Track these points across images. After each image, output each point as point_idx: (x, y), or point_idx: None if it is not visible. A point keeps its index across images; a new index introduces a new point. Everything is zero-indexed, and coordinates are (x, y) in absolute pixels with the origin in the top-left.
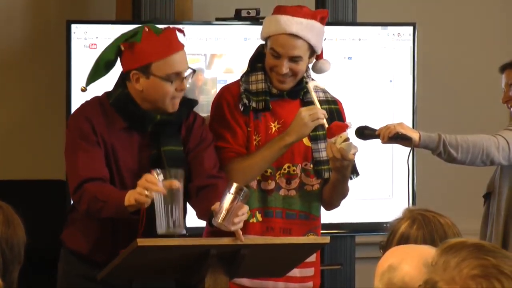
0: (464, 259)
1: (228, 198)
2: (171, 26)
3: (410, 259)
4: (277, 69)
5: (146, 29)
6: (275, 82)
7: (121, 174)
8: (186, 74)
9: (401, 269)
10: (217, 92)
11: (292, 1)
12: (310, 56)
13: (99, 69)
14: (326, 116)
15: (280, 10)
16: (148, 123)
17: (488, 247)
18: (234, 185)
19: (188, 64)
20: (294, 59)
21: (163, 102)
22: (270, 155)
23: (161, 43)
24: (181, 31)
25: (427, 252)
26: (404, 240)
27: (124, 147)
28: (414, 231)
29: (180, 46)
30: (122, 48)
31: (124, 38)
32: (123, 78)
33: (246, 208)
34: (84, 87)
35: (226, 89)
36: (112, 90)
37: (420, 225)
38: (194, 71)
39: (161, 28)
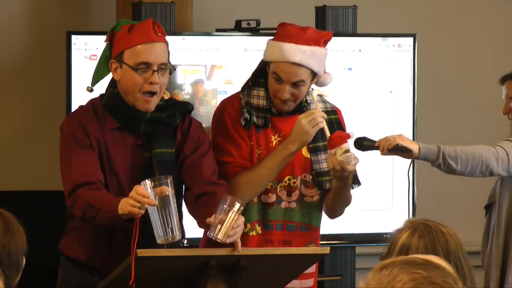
0: (396, 276)
1: (222, 212)
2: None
3: None
4: (279, 95)
5: (126, 20)
6: (277, 105)
7: (115, 174)
8: (160, 67)
9: None
10: (218, 104)
11: (294, 13)
12: (312, 79)
13: (102, 68)
14: (326, 117)
15: (284, 31)
16: (139, 121)
17: (418, 261)
18: (228, 198)
19: (167, 60)
20: (296, 84)
21: (134, 95)
22: (276, 166)
23: (134, 32)
24: (158, 25)
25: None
26: (405, 250)
27: (117, 146)
28: (415, 240)
29: (153, 38)
30: (107, 42)
31: (110, 30)
32: (114, 78)
33: (241, 220)
34: (90, 87)
35: (227, 103)
36: (105, 91)
37: (422, 233)
38: (173, 68)
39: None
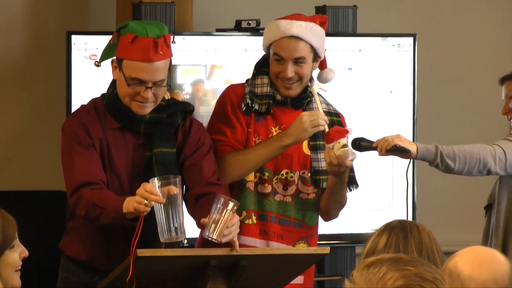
0: (385, 273)
1: (216, 211)
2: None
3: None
4: (282, 75)
5: (133, 26)
6: (282, 90)
7: (116, 173)
8: (155, 84)
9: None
10: (222, 91)
11: (291, 12)
12: (314, 60)
13: (112, 49)
14: (327, 122)
15: (278, 19)
16: (138, 122)
17: (406, 258)
18: (222, 197)
19: (164, 76)
20: (298, 61)
21: (125, 100)
22: (266, 154)
23: (135, 46)
24: (162, 42)
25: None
26: (374, 247)
27: (118, 146)
28: (385, 235)
29: (151, 58)
30: (111, 41)
31: (117, 28)
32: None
33: (236, 218)
34: (98, 62)
35: (231, 89)
36: (106, 91)
37: (390, 225)
38: (169, 85)
39: (147, 29)
